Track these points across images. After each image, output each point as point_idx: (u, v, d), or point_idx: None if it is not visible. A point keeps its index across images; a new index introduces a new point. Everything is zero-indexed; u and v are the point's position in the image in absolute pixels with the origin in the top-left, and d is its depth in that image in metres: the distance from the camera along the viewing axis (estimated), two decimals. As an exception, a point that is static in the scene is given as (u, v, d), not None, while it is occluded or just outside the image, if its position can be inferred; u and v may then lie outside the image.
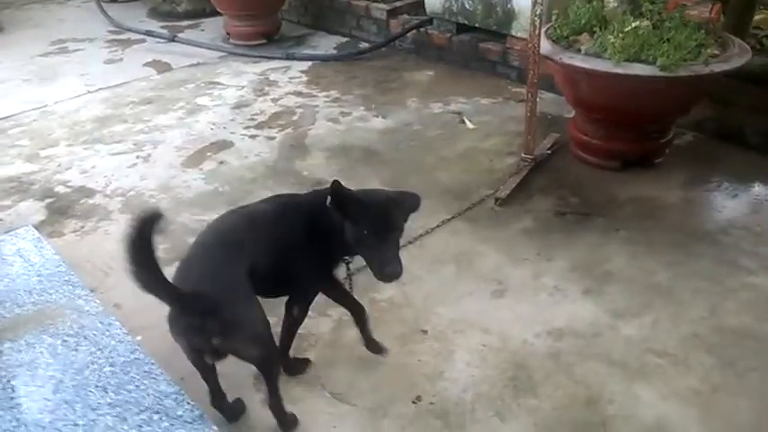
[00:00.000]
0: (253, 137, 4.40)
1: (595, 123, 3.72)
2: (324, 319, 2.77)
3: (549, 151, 3.87)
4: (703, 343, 2.59)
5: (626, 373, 2.47)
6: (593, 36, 3.55)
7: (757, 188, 3.64)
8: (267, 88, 5.19)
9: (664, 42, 3.28)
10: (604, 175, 3.74)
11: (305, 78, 5.36)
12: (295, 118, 4.64)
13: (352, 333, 2.68)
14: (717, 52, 3.46)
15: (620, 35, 3.35)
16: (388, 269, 2.05)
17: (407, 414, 2.34)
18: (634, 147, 3.71)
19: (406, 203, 2.15)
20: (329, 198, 2.09)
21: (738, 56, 3.43)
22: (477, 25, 5.25)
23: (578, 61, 3.41)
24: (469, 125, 4.45)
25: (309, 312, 2.80)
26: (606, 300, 2.84)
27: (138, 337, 2.57)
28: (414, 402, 2.38)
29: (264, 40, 6.27)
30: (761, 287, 2.89)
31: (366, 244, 2.07)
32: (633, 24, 3.37)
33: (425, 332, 2.67)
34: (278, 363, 2.26)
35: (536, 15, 3.26)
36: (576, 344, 2.61)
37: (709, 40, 3.47)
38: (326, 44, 6.19)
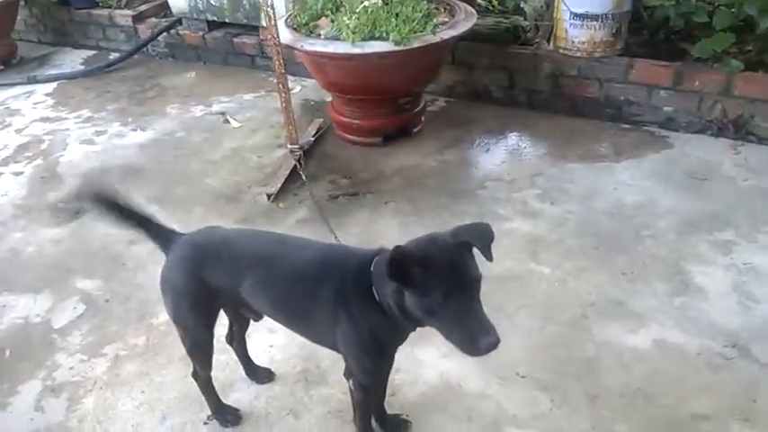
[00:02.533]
0: (-3, 175, 3.98)
1: (351, 104, 3.81)
2: (99, 359, 2.59)
3: (312, 138, 3.91)
4: (473, 294, 2.76)
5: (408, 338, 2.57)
6: (330, 20, 3.61)
7: (505, 140, 3.95)
8: (9, 119, 4.71)
9: (393, 17, 3.41)
10: (369, 153, 3.86)
11: (51, 101, 4.94)
12: (44, 147, 4.26)
13: (131, 368, 2.54)
14: (446, 19, 3.68)
15: (353, 15, 3.44)
16: (483, 341, 1.54)
17: (201, 437, 2.26)
18: (391, 121, 3.86)
19: (475, 240, 1.63)
20: (375, 264, 1.73)
21: (465, 20, 3.67)
22: (227, 20, 5.15)
23: (319, 47, 3.45)
24: (234, 124, 4.36)
25: (81, 355, 2.64)
26: (383, 273, 2.92)
27: None
28: (205, 423, 2.30)
29: (1, 67, 5.70)
30: (516, 231, 3.14)
31: (443, 314, 1.57)
32: (363, 4, 3.48)
33: (209, 347, 2.58)
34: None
35: (268, 6, 3.23)
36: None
37: (437, 10, 3.68)
38: (72, 60, 5.76)
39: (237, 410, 2.32)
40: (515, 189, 3.45)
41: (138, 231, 2.05)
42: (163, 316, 2.74)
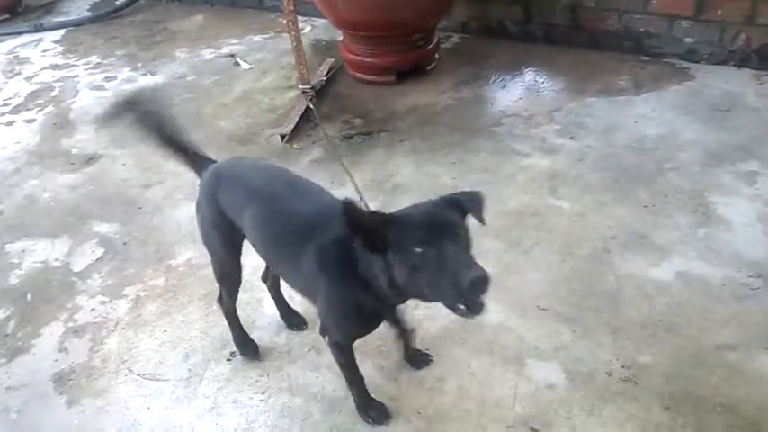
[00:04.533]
0: (9, 124, 3.96)
1: (363, 41, 3.73)
2: (119, 301, 2.61)
3: (324, 78, 3.83)
4: (491, 230, 2.71)
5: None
6: (341, -47, 3.50)
7: (522, 75, 3.86)
8: (18, 67, 4.67)
9: (406, -51, 3.30)
10: (382, 91, 3.79)
11: (60, 49, 4.88)
12: (54, 94, 4.23)
13: (152, 308, 2.55)
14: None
15: (365, -53, 3.32)
16: (464, 276, 1.40)
17: (224, 373, 2.28)
18: (404, 58, 3.77)
19: (460, 200, 1.59)
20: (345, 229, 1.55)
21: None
22: (234, -40, 5.03)
23: (329, -19, 3.36)
24: (244, 66, 4.29)
25: (102, 297, 2.65)
26: (400, 211, 2.90)
27: None
28: (228, 360, 2.32)
29: (7, 15, 5.65)
30: (534, 167, 3.09)
31: (425, 266, 1.47)
32: (374, -65, 3.36)
33: (229, 286, 2.59)
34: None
35: (276, -60, 3.13)
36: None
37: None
38: (79, 7, 5.66)
39: (257, 346, 2.32)
40: (533, 125, 3.38)
41: (177, 157, 2.08)
42: (181, 257, 2.76)
